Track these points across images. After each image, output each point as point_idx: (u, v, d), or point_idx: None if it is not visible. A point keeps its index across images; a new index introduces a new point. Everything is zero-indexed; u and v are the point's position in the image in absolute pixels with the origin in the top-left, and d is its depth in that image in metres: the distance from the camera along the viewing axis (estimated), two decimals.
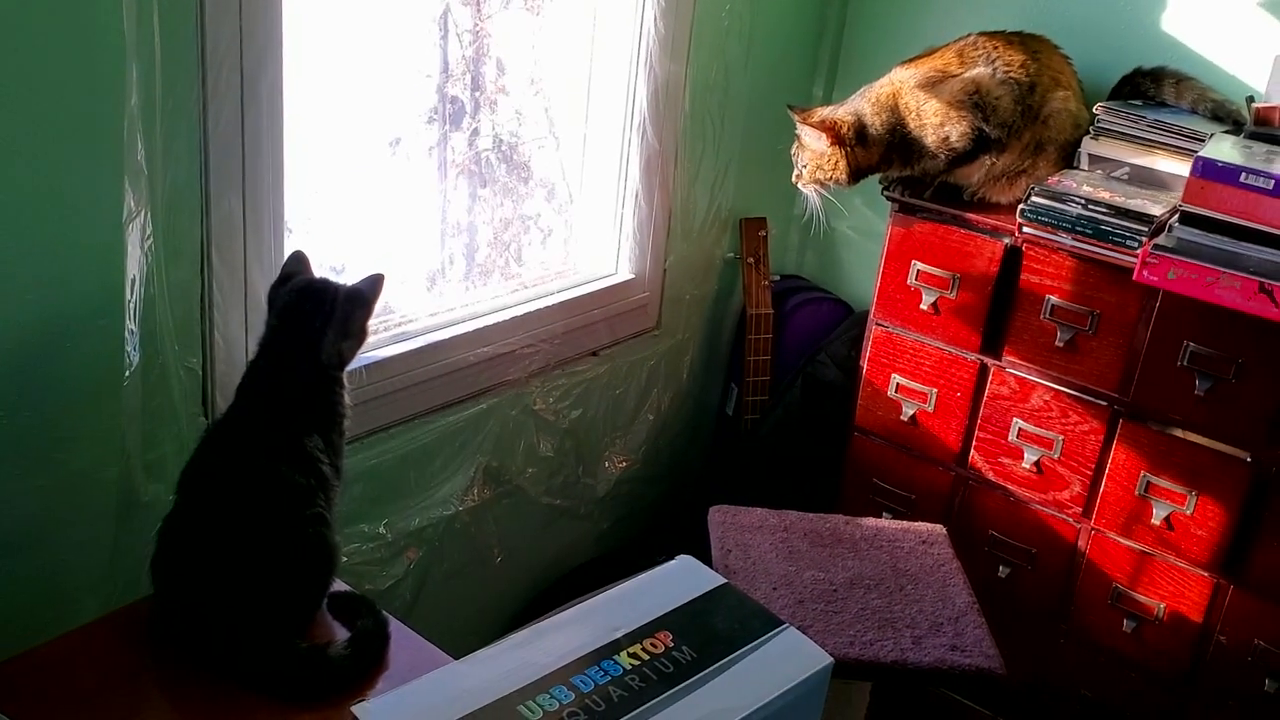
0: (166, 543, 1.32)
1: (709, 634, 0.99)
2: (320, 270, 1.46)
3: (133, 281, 1.50)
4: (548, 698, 0.89)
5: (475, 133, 2.16)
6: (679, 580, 1.06)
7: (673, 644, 0.97)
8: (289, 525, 1.31)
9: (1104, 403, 2.09)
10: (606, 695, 0.90)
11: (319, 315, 1.36)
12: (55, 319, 1.45)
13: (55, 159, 1.40)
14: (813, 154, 2.16)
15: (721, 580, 1.06)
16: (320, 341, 1.36)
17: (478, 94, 2.15)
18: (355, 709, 0.87)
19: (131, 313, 1.51)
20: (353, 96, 1.92)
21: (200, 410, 1.67)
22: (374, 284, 1.40)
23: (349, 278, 1.43)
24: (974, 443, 2.25)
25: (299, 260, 1.43)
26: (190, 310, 1.62)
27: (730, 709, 0.91)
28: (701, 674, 0.94)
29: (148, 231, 1.51)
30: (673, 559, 1.09)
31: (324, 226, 1.94)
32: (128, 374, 1.53)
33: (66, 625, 1.35)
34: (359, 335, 1.40)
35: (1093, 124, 2.14)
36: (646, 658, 0.95)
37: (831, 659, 0.98)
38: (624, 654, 0.95)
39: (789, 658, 0.97)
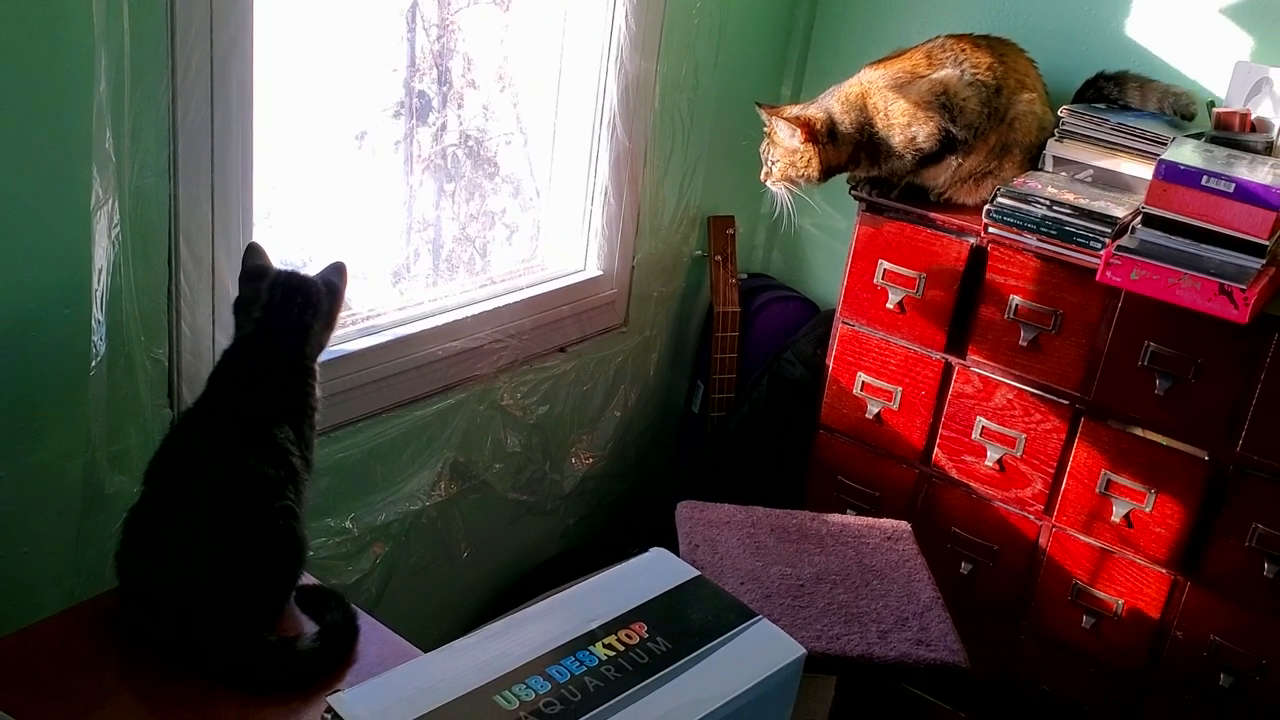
0: (132, 535, 1.31)
1: (683, 625, 0.99)
2: (283, 264, 1.46)
3: (100, 271, 1.49)
4: (524, 688, 0.89)
5: (442, 128, 2.16)
6: (653, 572, 1.06)
7: (647, 635, 0.97)
8: (258, 517, 1.31)
9: (1066, 402, 2.11)
10: (582, 685, 0.90)
11: (309, 308, 1.38)
12: (20, 307, 1.43)
13: (22, 145, 1.38)
14: (785, 150, 2.17)
15: (695, 572, 1.07)
16: (308, 332, 1.37)
17: (445, 89, 2.14)
18: (331, 699, 0.87)
19: (98, 302, 1.50)
20: (319, 89, 1.91)
21: (166, 401, 1.66)
22: (340, 271, 1.44)
23: (311, 271, 1.44)
24: (938, 440, 2.27)
25: (257, 251, 1.44)
26: (157, 300, 1.61)
27: (705, 699, 0.91)
28: (676, 664, 0.94)
29: (115, 220, 1.49)
30: (646, 551, 1.09)
31: (289, 219, 1.93)
32: (94, 364, 1.51)
33: (28, 619, 1.34)
34: (333, 324, 1.41)
35: (1057, 127, 2.17)
36: (622, 648, 0.95)
37: (804, 650, 0.99)
38: (599, 645, 0.95)
39: (762, 649, 0.98)
